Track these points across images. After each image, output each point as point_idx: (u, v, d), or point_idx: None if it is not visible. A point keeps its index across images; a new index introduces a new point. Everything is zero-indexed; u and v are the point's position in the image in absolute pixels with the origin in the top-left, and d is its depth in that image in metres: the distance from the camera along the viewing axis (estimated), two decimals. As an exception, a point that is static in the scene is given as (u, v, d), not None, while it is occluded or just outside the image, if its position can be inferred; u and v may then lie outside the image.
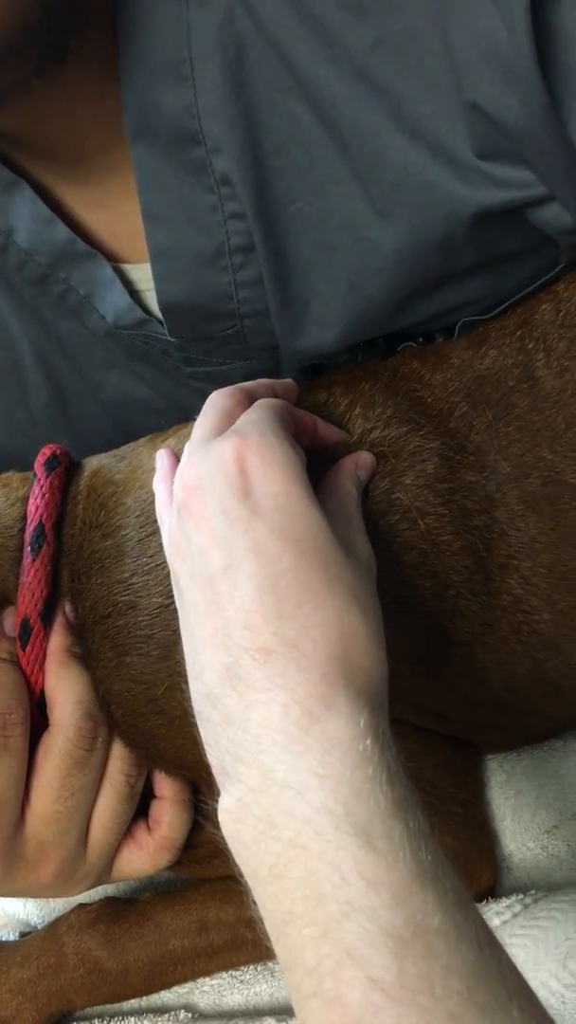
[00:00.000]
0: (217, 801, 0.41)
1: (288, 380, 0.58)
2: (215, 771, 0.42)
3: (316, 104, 0.52)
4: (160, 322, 0.65)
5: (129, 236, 0.63)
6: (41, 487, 0.58)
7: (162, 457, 0.56)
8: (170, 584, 0.53)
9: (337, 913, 0.34)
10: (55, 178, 0.63)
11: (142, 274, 0.65)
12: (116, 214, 0.63)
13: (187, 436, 0.59)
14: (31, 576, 0.55)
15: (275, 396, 0.55)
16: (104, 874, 0.60)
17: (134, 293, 0.65)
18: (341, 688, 0.40)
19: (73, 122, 0.57)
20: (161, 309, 0.62)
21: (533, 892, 0.60)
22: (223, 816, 0.39)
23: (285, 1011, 0.62)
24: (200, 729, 0.43)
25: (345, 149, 0.53)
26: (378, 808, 0.37)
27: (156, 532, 0.55)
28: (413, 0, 0.48)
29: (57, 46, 0.52)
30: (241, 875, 0.39)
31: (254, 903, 0.38)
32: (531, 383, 0.55)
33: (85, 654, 0.56)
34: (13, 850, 0.54)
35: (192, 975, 0.64)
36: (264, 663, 0.40)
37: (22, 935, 0.69)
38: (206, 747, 0.43)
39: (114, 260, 0.65)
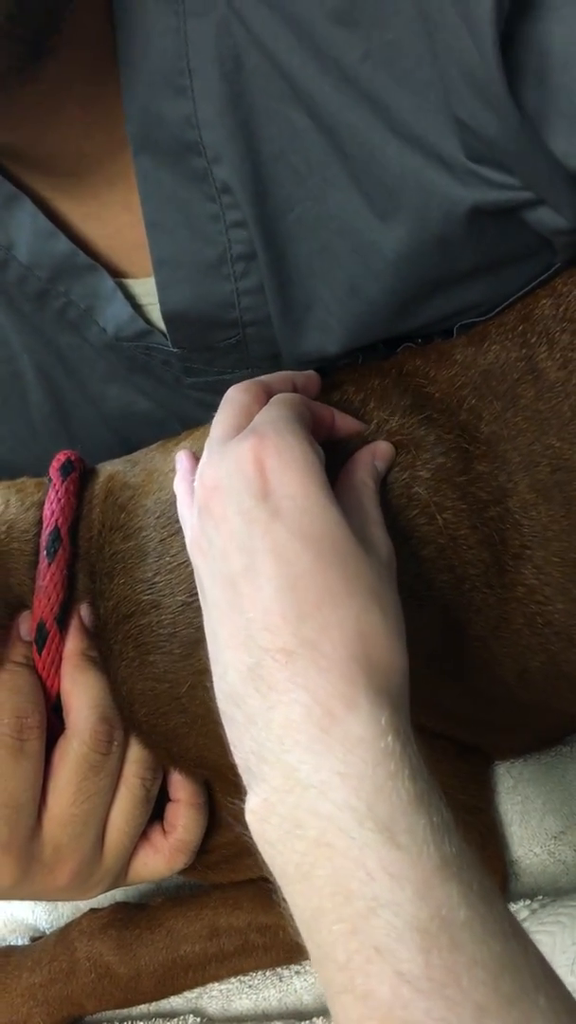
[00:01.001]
0: (239, 800, 0.41)
1: (309, 372, 0.58)
2: (240, 771, 0.42)
3: (313, 112, 0.53)
4: (162, 333, 0.65)
5: (128, 250, 0.64)
6: (56, 492, 0.58)
7: (182, 459, 0.56)
8: (192, 583, 0.54)
9: (364, 909, 0.35)
10: (54, 192, 0.63)
11: (143, 288, 0.65)
12: (114, 227, 0.63)
13: (201, 439, 0.60)
14: (47, 580, 0.56)
15: (294, 389, 0.55)
16: (120, 877, 0.60)
17: (135, 307, 0.66)
18: (362, 687, 0.40)
19: (67, 133, 0.58)
20: (164, 318, 0.63)
21: (540, 897, 0.61)
22: (250, 816, 0.40)
23: (293, 1016, 0.63)
24: (225, 728, 0.44)
25: (343, 155, 0.54)
26: (400, 804, 0.37)
27: (177, 532, 0.55)
28: (401, 14, 0.49)
29: (32, 42, 0.52)
30: (270, 873, 0.39)
31: (284, 901, 0.38)
32: (536, 374, 0.56)
33: (107, 654, 0.57)
34: (30, 853, 0.54)
35: (203, 980, 0.64)
36: (285, 664, 0.41)
37: (32, 940, 0.70)
38: (231, 747, 0.43)
39: (115, 275, 0.65)
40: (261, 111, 0.54)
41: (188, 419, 0.67)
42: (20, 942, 0.70)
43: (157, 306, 0.64)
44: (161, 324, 0.66)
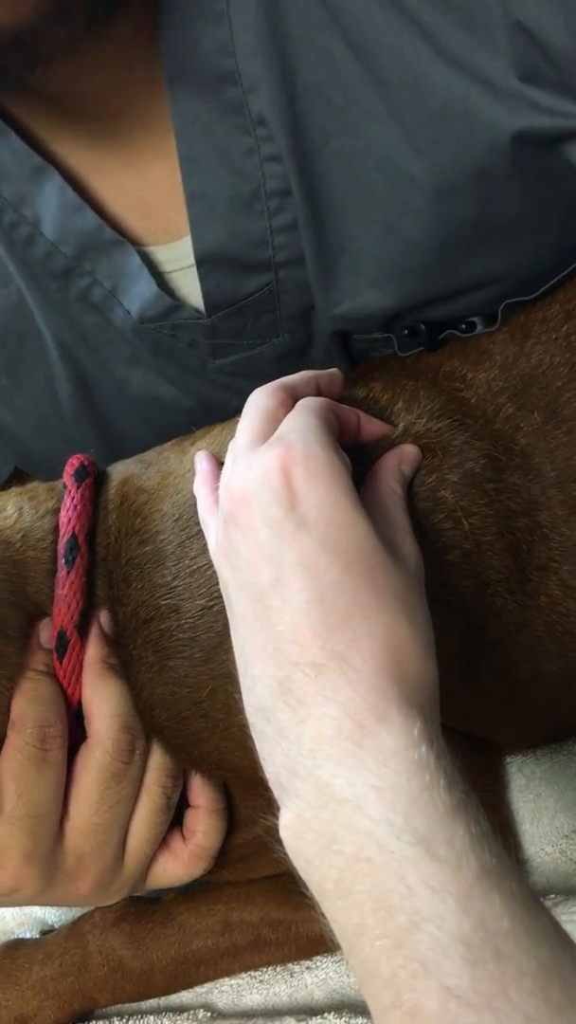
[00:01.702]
0: (272, 815, 0.41)
1: (332, 370, 0.57)
2: (272, 785, 0.42)
3: (352, 39, 0.52)
4: (190, 308, 0.64)
5: (159, 206, 0.63)
6: (72, 498, 0.58)
7: (201, 460, 0.56)
8: (212, 586, 0.53)
9: (407, 924, 0.34)
10: (86, 155, 0.62)
11: (171, 254, 0.64)
12: (148, 177, 0.62)
13: (217, 438, 0.59)
14: (66, 588, 0.55)
15: (318, 390, 0.55)
16: (139, 883, 0.60)
17: (160, 277, 0.65)
18: (393, 699, 0.40)
19: (110, 76, 0.57)
20: (197, 260, 0.61)
21: (552, 896, 0.61)
22: (284, 832, 0.40)
23: (304, 1011, 0.63)
24: (255, 743, 0.43)
25: (382, 84, 0.53)
26: (437, 815, 0.37)
27: (196, 535, 0.55)
28: None
29: (106, 2, 0.52)
30: (306, 888, 0.39)
31: (323, 916, 0.38)
32: None
33: (127, 660, 0.56)
34: (53, 862, 0.54)
35: (215, 975, 0.64)
36: (315, 677, 0.41)
37: (42, 933, 0.70)
38: (261, 761, 0.43)
39: (142, 243, 0.64)
40: (299, 39, 0.53)
41: (213, 405, 0.66)
42: (30, 935, 0.70)
43: (184, 272, 0.64)
44: (187, 295, 0.65)
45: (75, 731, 0.56)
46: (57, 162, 0.62)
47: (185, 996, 0.65)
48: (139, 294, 0.64)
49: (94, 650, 0.56)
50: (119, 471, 0.62)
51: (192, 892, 0.66)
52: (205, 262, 0.61)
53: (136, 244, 0.64)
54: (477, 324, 0.61)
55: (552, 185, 0.54)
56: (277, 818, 0.41)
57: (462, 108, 0.52)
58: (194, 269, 0.62)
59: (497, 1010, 0.32)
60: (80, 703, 0.56)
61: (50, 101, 0.59)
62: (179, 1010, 0.65)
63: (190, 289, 0.65)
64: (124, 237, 0.63)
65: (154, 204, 0.63)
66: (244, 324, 0.64)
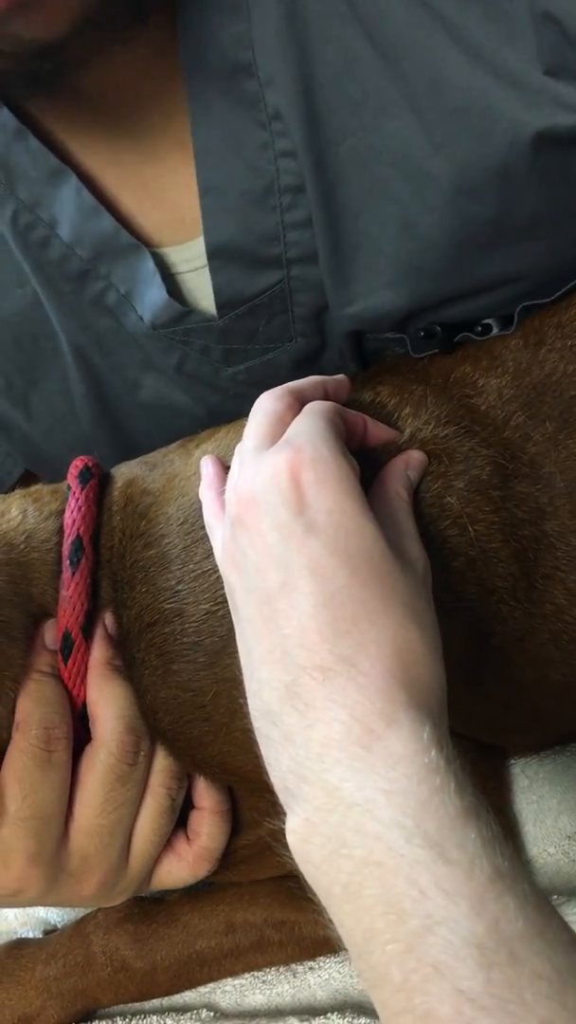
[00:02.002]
0: (278, 820, 0.41)
1: (340, 376, 0.57)
2: (277, 790, 0.42)
3: (372, 33, 0.52)
4: (200, 313, 0.64)
5: (176, 199, 0.63)
6: (77, 500, 0.58)
7: (207, 464, 0.56)
8: (217, 590, 0.53)
9: (419, 927, 0.34)
10: (104, 149, 0.62)
11: (185, 254, 0.64)
12: (166, 169, 0.62)
13: (223, 440, 0.59)
14: (71, 590, 0.55)
15: (326, 394, 0.55)
16: (144, 884, 0.60)
17: (172, 278, 0.64)
18: (401, 703, 0.40)
19: (133, 71, 0.57)
20: (208, 254, 0.61)
21: (555, 897, 0.61)
22: (291, 837, 0.40)
23: (307, 1011, 0.63)
24: (260, 747, 0.43)
25: (402, 79, 0.53)
26: (448, 819, 0.37)
27: (202, 539, 0.55)
28: None
29: (140, 9, 0.52)
30: (312, 892, 0.39)
31: (330, 921, 0.38)
32: None
33: (130, 663, 0.56)
34: (58, 864, 0.54)
35: (218, 975, 0.64)
36: (323, 681, 0.41)
37: (45, 933, 0.70)
38: (267, 766, 0.43)
39: (156, 244, 0.64)
40: (317, 32, 0.53)
41: (225, 415, 0.66)
42: (33, 935, 0.70)
43: (198, 273, 0.64)
44: (199, 298, 0.65)
45: (80, 733, 0.56)
46: (74, 161, 0.62)
47: (188, 996, 0.65)
48: (151, 300, 0.64)
49: (99, 652, 0.56)
50: (123, 473, 0.62)
51: (196, 893, 0.66)
52: (217, 256, 0.61)
53: (151, 246, 0.64)
54: (493, 327, 0.60)
55: (572, 184, 0.54)
56: (282, 822, 0.41)
57: (484, 104, 0.51)
58: (207, 270, 0.62)
59: (512, 1014, 0.32)
60: (85, 705, 0.56)
61: (72, 99, 0.59)
62: (182, 1010, 0.65)
63: (203, 292, 0.65)
64: (139, 238, 0.63)
65: (171, 197, 0.63)
66: (256, 326, 0.64)
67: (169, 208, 0.63)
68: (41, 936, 0.69)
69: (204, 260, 0.63)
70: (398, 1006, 0.34)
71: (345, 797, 0.38)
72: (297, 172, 0.57)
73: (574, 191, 0.54)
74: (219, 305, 0.63)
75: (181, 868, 0.60)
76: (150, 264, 0.63)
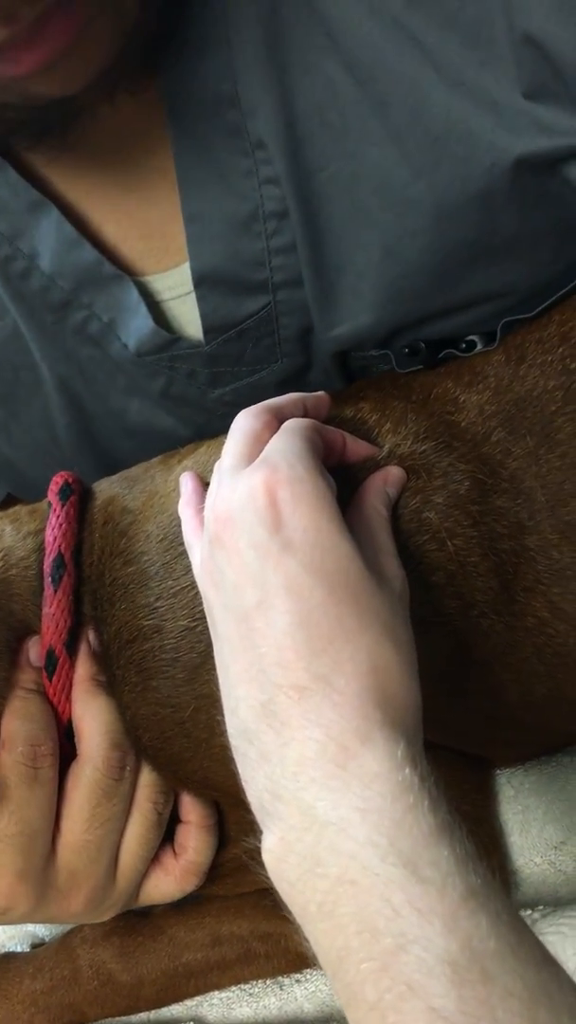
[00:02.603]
0: (254, 838, 0.41)
1: (319, 393, 0.58)
2: (254, 809, 0.42)
3: (352, 62, 0.52)
4: (187, 340, 0.64)
5: (160, 228, 0.63)
6: (57, 517, 0.58)
7: (186, 481, 0.56)
8: (195, 607, 0.54)
9: (393, 946, 0.34)
10: (86, 182, 0.62)
11: (169, 282, 0.64)
12: (149, 200, 0.62)
13: (202, 457, 0.59)
14: (54, 607, 0.56)
15: (305, 412, 0.55)
16: (131, 899, 0.60)
17: (157, 306, 0.65)
18: (376, 721, 0.40)
19: (116, 107, 0.57)
20: (194, 281, 0.61)
21: (541, 907, 0.61)
22: (266, 856, 0.40)
23: (293, 1024, 0.63)
24: (237, 765, 0.43)
25: (383, 107, 0.53)
26: (422, 836, 0.37)
27: (181, 556, 0.55)
28: None
29: (152, 56, 0.53)
30: (288, 911, 0.39)
31: (306, 940, 0.38)
32: (575, 407, 0.54)
33: (110, 680, 0.57)
34: (45, 880, 0.55)
35: (204, 988, 0.64)
36: (298, 700, 0.41)
37: (32, 947, 0.70)
38: (243, 784, 0.43)
39: (140, 273, 0.64)
40: (298, 63, 0.53)
41: (212, 435, 0.66)
42: (20, 949, 0.70)
43: (182, 300, 0.64)
44: (185, 324, 0.65)
45: (65, 748, 0.56)
46: (54, 192, 0.62)
47: (175, 1009, 0.66)
48: (136, 328, 0.64)
49: (83, 668, 0.56)
50: (104, 489, 0.62)
51: (182, 905, 0.66)
52: (203, 283, 0.62)
53: (134, 274, 0.64)
54: (477, 343, 0.61)
55: (550, 204, 0.54)
56: (258, 840, 0.41)
57: (464, 130, 0.52)
58: (192, 296, 0.62)
59: None
60: (70, 721, 0.57)
61: (57, 135, 0.59)
62: (169, 1023, 0.65)
63: (188, 317, 0.65)
64: (122, 267, 0.63)
65: (155, 226, 0.63)
66: (243, 349, 0.64)
67: (153, 237, 0.63)
68: (29, 950, 0.69)
69: (189, 287, 0.63)
70: None
71: (320, 816, 0.38)
72: (281, 198, 0.57)
73: (552, 210, 0.55)
74: (206, 331, 0.64)
75: (168, 883, 0.60)
76: (134, 293, 0.63)
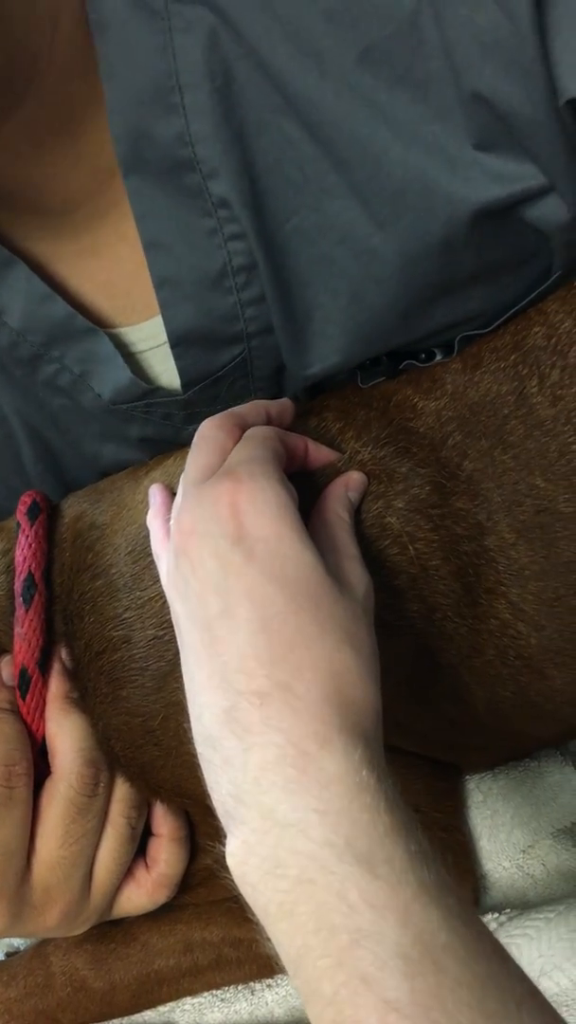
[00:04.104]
0: (219, 843, 0.42)
1: (283, 400, 0.58)
2: (219, 813, 0.42)
3: (308, 122, 0.53)
4: (163, 389, 0.64)
5: (124, 288, 0.63)
6: (27, 537, 0.58)
7: (155, 493, 0.56)
8: (163, 616, 0.54)
9: (348, 942, 0.35)
10: (51, 247, 0.62)
11: (141, 334, 0.65)
12: (110, 262, 0.62)
13: (170, 468, 0.60)
14: (26, 627, 0.56)
15: (268, 419, 0.56)
16: (105, 912, 0.60)
17: (131, 357, 0.65)
18: (335, 725, 0.41)
19: (51, 167, 0.57)
20: (171, 341, 0.62)
21: (508, 910, 0.62)
22: (230, 859, 0.40)
23: (264, 1028, 0.64)
24: (203, 771, 0.44)
25: (342, 163, 0.53)
26: (378, 835, 0.38)
27: (149, 567, 0.56)
28: (403, 2, 0.48)
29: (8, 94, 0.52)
30: (252, 913, 0.40)
31: (268, 940, 0.39)
32: (526, 411, 0.56)
33: (82, 692, 0.57)
34: (20, 897, 0.55)
35: (177, 994, 0.65)
36: (260, 706, 0.42)
37: (7, 955, 0.70)
38: (209, 789, 0.43)
39: (111, 325, 0.64)
40: (254, 123, 0.54)
41: None
42: (-5, 957, 0.70)
43: (156, 351, 0.64)
44: (160, 373, 0.65)
45: (39, 766, 0.57)
46: (21, 251, 0.62)
47: (148, 1015, 0.66)
48: (112, 379, 0.64)
49: (56, 686, 0.57)
50: (71, 505, 0.62)
51: (154, 912, 0.66)
52: (179, 343, 0.62)
53: (106, 327, 0.64)
54: (436, 354, 0.62)
55: (510, 239, 0.56)
56: (224, 845, 0.42)
57: (421, 185, 0.52)
58: (166, 347, 0.63)
59: (435, 1021, 0.33)
60: (44, 739, 0.57)
61: (5, 209, 0.59)
62: (142, 1029, 0.65)
63: (163, 367, 0.65)
64: (94, 320, 0.63)
65: (120, 287, 0.64)
66: (218, 392, 0.65)
67: (119, 296, 0.64)
68: (2, 958, 0.70)
69: (161, 339, 0.63)
70: (329, 1019, 0.35)
71: (280, 818, 0.39)
72: (248, 252, 0.58)
73: (511, 244, 0.56)
74: (184, 384, 0.64)
75: (140, 895, 0.61)
76: (108, 346, 0.63)
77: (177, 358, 0.63)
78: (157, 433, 0.67)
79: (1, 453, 0.72)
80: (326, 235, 0.57)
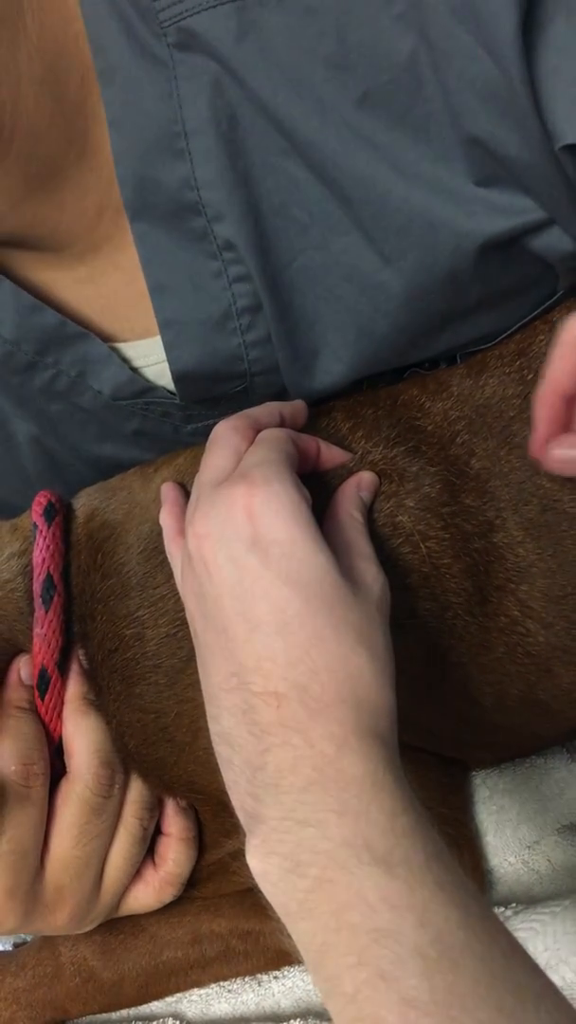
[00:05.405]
0: (238, 840, 0.42)
1: (297, 402, 0.59)
2: (237, 812, 0.43)
3: (312, 164, 0.53)
4: (163, 389, 0.65)
5: (122, 313, 0.64)
6: (44, 538, 0.58)
7: (167, 491, 0.57)
8: (176, 614, 0.55)
9: (368, 940, 0.36)
10: (39, 264, 0.62)
11: (136, 351, 0.65)
12: (107, 289, 0.63)
13: (181, 467, 0.60)
14: (45, 627, 0.56)
15: (282, 421, 0.56)
16: (113, 911, 0.61)
17: (132, 369, 0.65)
18: (351, 727, 0.42)
19: (41, 209, 0.57)
20: (174, 378, 0.62)
21: (514, 905, 0.62)
22: (250, 858, 0.41)
23: (271, 1019, 0.64)
24: (221, 771, 0.45)
25: (346, 202, 0.54)
26: (395, 836, 0.39)
27: (160, 565, 0.56)
28: (400, 49, 0.49)
29: None
30: (272, 910, 0.41)
31: (289, 937, 0.40)
32: (531, 413, 0.56)
33: (96, 691, 0.58)
34: (33, 896, 0.55)
35: (185, 986, 0.65)
36: (277, 708, 0.42)
37: (15, 946, 0.71)
38: (228, 789, 0.44)
39: (107, 340, 0.64)
40: (259, 166, 0.54)
41: None
42: (3, 948, 0.71)
43: (153, 368, 0.65)
44: (160, 380, 0.65)
45: (55, 766, 0.57)
46: (19, 280, 0.62)
47: (155, 1005, 0.67)
48: (111, 376, 0.64)
49: (74, 687, 0.57)
50: (84, 504, 0.62)
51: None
52: (183, 380, 0.62)
53: (101, 339, 0.64)
54: (440, 363, 0.63)
55: (516, 268, 0.56)
56: (241, 842, 0.42)
57: (425, 221, 0.53)
58: (164, 365, 0.63)
59: (454, 1018, 0.34)
60: (60, 739, 0.57)
61: (10, 239, 0.60)
62: (149, 1019, 0.66)
63: (161, 382, 0.65)
64: (88, 330, 0.63)
65: (117, 311, 0.64)
66: (216, 405, 0.65)
67: (117, 320, 0.64)
68: (12, 948, 0.70)
69: (158, 357, 0.64)
70: (350, 1016, 0.36)
71: (299, 819, 0.40)
72: (252, 293, 0.58)
73: (512, 277, 0.57)
74: (182, 399, 0.65)
75: (148, 894, 0.61)
76: (102, 347, 0.63)
77: (179, 389, 0.63)
78: (155, 430, 0.68)
79: (1, 454, 0.72)
80: (332, 272, 0.57)
